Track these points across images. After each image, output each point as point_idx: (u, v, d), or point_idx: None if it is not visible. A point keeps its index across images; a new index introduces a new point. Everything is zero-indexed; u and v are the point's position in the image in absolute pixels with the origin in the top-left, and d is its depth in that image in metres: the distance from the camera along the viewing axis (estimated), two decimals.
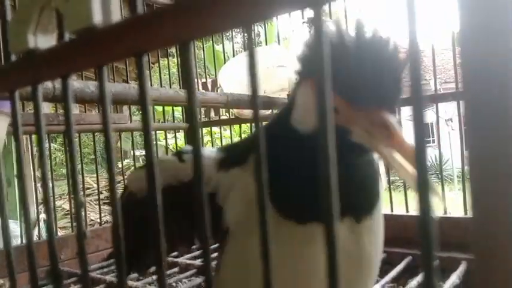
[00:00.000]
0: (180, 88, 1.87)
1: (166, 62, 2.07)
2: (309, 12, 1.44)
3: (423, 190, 0.19)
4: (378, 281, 1.01)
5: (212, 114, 1.73)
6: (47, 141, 1.63)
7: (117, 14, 0.30)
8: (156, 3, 1.74)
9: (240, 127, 1.64)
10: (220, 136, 1.85)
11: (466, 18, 0.17)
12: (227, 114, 1.91)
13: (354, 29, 0.49)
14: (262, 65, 1.39)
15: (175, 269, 1.27)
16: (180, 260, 1.31)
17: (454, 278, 1.00)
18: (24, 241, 2.35)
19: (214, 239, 0.60)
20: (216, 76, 1.83)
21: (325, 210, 0.22)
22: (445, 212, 1.30)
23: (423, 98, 0.19)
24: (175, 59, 2.62)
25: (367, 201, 0.59)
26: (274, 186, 0.54)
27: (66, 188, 3.62)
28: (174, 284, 1.17)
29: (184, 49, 0.26)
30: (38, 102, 0.36)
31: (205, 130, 2.15)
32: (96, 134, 1.62)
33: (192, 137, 0.26)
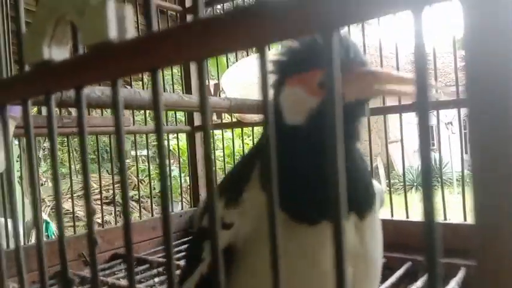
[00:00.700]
0: (182, 90, 1.89)
1: None
2: None
3: (428, 197, 0.20)
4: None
5: (214, 117, 1.74)
6: (46, 141, 1.64)
7: (131, 30, 0.31)
8: (170, 9, 1.76)
9: (242, 130, 1.64)
10: (222, 138, 1.86)
11: (471, 20, 0.18)
12: (229, 117, 1.92)
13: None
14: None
15: (177, 272, 1.28)
16: (182, 262, 1.31)
17: (454, 284, 1.01)
18: (27, 242, 2.35)
19: None
20: (218, 79, 1.84)
21: (334, 203, 0.22)
22: (445, 218, 1.31)
23: (428, 105, 0.20)
24: None
25: (368, 196, 0.60)
26: (282, 191, 0.55)
27: (67, 188, 3.63)
28: None
29: (199, 67, 0.27)
30: (51, 110, 0.37)
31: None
32: (99, 135, 1.63)
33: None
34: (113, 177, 1.87)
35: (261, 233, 0.52)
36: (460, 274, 1.07)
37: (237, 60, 1.75)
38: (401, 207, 1.38)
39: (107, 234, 1.48)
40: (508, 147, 0.18)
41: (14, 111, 0.96)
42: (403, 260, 1.18)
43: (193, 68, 1.84)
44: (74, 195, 1.59)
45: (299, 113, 0.56)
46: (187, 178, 2.71)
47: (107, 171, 4.74)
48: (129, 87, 1.88)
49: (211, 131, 1.95)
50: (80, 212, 3.79)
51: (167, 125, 1.92)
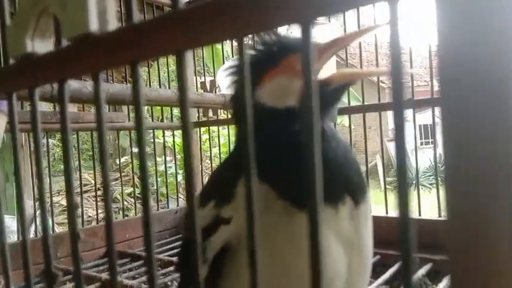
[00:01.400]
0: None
1: (165, 60, 2.07)
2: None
3: (402, 193, 0.20)
4: (371, 283, 1.02)
5: (210, 113, 1.74)
6: (45, 138, 1.63)
7: (113, 22, 0.31)
8: (156, 2, 1.75)
9: None
10: (218, 134, 1.86)
11: (443, 17, 0.18)
12: (225, 113, 1.91)
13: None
14: None
15: (171, 268, 1.28)
16: (176, 259, 1.31)
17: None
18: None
19: None
20: (214, 74, 1.83)
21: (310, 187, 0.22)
22: (440, 215, 1.31)
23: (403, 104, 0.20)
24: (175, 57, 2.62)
25: (361, 179, 0.61)
26: (281, 179, 0.55)
27: (64, 184, 3.63)
28: (169, 283, 1.18)
29: (179, 58, 0.26)
30: (35, 104, 0.37)
31: (203, 129, 2.15)
32: (93, 131, 1.62)
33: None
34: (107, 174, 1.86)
35: (263, 223, 0.52)
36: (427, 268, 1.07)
37: (233, 56, 1.75)
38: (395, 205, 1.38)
39: (101, 231, 1.48)
40: (480, 147, 0.18)
41: (5, 106, 0.95)
42: (397, 256, 1.18)
43: (189, 64, 1.83)
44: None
45: (290, 98, 0.57)
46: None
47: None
48: (125, 83, 1.87)
49: (208, 127, 1.95)
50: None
51: (164, 121, 1.92)
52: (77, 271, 0.34)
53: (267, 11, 0.23)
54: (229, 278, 0.59)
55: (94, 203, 2.25)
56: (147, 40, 0.28)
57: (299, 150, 0.55)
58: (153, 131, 1.75)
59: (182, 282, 0.69)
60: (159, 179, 2.79)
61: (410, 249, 0.20)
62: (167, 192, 1.92)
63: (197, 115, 1.82)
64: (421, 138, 7.56)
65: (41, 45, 0.36)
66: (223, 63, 1.82)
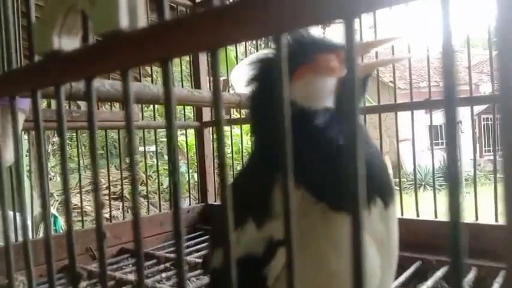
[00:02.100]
0: (191, 87, 1.88)
1: (178, 59, 2.07)
2: None
3: (454, 194, 0.19)
4: None
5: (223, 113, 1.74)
6: (55, 136, 1.64)
7: (142, 19, 0.30)
8: (180, 4, 1.75)
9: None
10: (231, 135, 1.85)
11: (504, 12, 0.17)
12: (237, 113, 1.91)
13: None
14: None
15: (185, 268, 1.27)
16: (189, 258, 1.31)
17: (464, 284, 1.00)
18: (35, 235, 2.37)
19: None
20: (227, 75, 1.83)
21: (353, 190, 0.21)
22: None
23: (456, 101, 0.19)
24: (186, 57, 2.62)
25: (390, 184, 0.60)
26: (319, 181, 0.54)
27: (75, 182, 3.65)
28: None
29: (212, 56, 0.26)
30: (60, 102, 0.36)
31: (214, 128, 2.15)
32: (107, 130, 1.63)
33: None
34: (121, 173, 1.87)
35: (302, 229, 0.50)
36: (471, 275, 1.05)
37: (246, 56, 1.74)
38: (409, 206, 1.37)
39: (115, 229, 1.49)
40: None
41: (23, 104, 0.95)
42: (413, 259, 1.17)
43: (202, 63, 1.83)
44: (82, 190, 1.60)
45: (324, 97, 0.56)
46: (195, 174, 2.71)
47: (115, 166, 4.75)
48: (138, 82, 1.88)
49: (214, 127, 1.95)
50: (88, 206, 3.81)
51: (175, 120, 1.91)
52: (102, 271, 0.34)
53: (304, 7, 0.23)
54: None
55: (106, 201, 2.26)
56: (178, 37, 0.28)
57: (336, 152, 0.55)
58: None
59: None
60: (167, 178, 2.79)
61: (460, 254, 0.19)
62: (170, 190, 1.91)
63: (210, 114, 1.82)
64: (430, 139, 7.50)
65: (68, 42, 0.35)
66: (236, 63, 1.82)
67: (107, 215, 2.32)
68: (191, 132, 1.94)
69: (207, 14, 0.26)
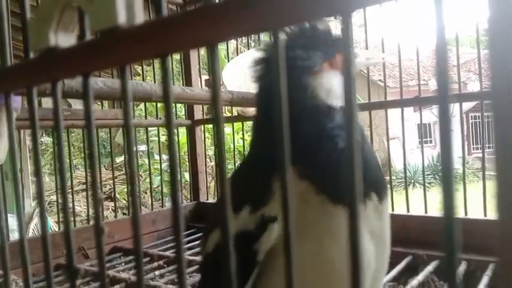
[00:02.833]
0: (182, 84, 1.88)
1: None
2: None
3: (448, 191, 0.20)
4: None
5: None
6: (45, 135, 1.63)
7: (140, 15, 0.30)
8: (170, 2, 1.75)
9: (243, 124, 1.63)
10: (223, 133, 1.85)
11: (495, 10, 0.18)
12: (228, 112, 1.91)
13: None
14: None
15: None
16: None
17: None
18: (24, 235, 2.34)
19: None
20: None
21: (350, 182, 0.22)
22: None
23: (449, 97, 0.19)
24: (176, 55, 2.62)
25: (383, 178, 0.62)
26: (320, 175, 0.55)
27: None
28: (176, 280, 1.18)
29: (211, 51, 0.26)
30: (57, 99, 0.36)
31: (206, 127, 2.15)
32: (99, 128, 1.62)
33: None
34: (113, 172, 1.86)
35: (300, 222, 0.51)
36: (461, 268, 1.07)
37: (237, 55, 1.75)
38: (399, 204, 1.38)
39: (107, 228, 1.48)
40: None
41: (15, 102, 0.94)
42: (404, 254, 1.18)
43: (193, 61, 1.83)
44: (73, 190, 1.59)
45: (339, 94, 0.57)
46: (185, 174, 2.70)
47: (105, 166, 4.71)
48: (130, 80, 1.87)
49: (206, 125, 1.94)
50: (78, 207, 3.78)
51: (161, 119, 1.91)
52: (101, 267, 0.34)
53: (302, 5, 0.23)
54: (267, 276, 0.57)
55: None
56: (176, 33, 0.28)
57: (338, 147, 0.56)
58: (158, 129, 1.74)
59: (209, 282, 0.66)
60: (157, 178, 2.78)
61: (454, 249, 0.19)
62: (161, 190, 1.90)
63: (201, 113, 1.82)
64: (419, 137, 7.57)
65: (64, 39, 0.35)
66: (228, 61, 1.82)
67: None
68: (182, 130, 1.94)
69: (204, 9, 0.27)
